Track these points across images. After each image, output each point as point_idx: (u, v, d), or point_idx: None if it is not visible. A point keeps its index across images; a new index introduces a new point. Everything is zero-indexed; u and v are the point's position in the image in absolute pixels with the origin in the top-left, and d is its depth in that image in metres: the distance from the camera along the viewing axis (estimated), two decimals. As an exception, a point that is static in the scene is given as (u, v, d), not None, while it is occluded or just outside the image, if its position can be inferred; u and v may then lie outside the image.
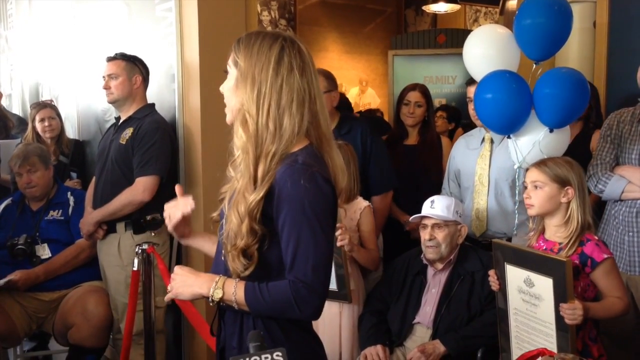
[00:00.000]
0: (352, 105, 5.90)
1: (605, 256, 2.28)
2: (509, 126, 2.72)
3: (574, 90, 2.62)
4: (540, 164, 2.40)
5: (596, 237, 2.35)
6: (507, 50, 2.75)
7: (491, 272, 2.46)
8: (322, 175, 1.57)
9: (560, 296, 2.17)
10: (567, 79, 2.64)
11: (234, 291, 1.58)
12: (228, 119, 1.67)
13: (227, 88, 1.65)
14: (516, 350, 2.40)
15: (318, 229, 1.55)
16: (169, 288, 1.71)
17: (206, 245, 1.90)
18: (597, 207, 3.50)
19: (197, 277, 1.66)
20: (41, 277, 3.34)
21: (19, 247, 3.34)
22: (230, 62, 1.64)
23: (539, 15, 2.62)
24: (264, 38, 1.61)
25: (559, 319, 2.19)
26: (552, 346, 2.22)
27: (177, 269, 1.70)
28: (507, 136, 2.78)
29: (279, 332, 1.63)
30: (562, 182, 2.33)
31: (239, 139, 1.59)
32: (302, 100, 1.59)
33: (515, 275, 2.35)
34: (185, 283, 1.66)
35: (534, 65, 2.73)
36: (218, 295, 1.59)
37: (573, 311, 2.13)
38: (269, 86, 1.57)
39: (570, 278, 2.14)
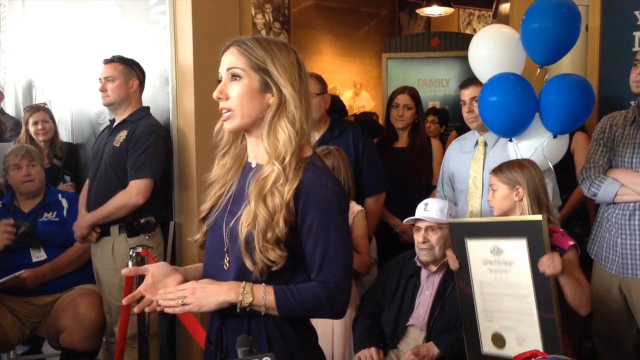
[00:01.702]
0: (347, 108, 5.90)
1: (571, 243, 2.42)
2: (513, 129, 2.73)
3: (581, 97, 2.63)
4: (496, 169, 2.60)
5: (561, 229, 2.50)
6: (513, 52, 2.75)
7: (449, 252, 2.56)
8: (337, 178, 1.68)
9: (536, 253, 2.24)
10: (575, 86, 2.65)
11: (264, 295, 1.59)
12: (236, 124, 1.65)
13: (245, 92, 1.62)
14: (485, 323, 2.43)
15: (344, 229, 1.62)
16: (184, 301, 1.60)
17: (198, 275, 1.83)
18: (581, 209, 3.54)
19: (220, 285, 1.62)
20: (48, 275, 3.34)
21: (23, 229, 3.33)
22: (243, 66, 1.62)
23: (546, 19, 2.61)
24: (277, 44, 1.65)
25: (536, 276, 2.25)
26: (530, 306, 2.29)
27: (192, 282, 1.63)
28: (509, 139, 2.79)
29: (291, 333, 1.67)
30: (512, 183, 2.53)
31: (279, 138, 1.61)
32: (310, 105, 1.68)
33: (478, 248, 2.42)
34: (207, 293, 1.60)
35: (539, 69, 2.74)
36: (248, 300, 1.58)
37: (552, 260, 2.22)
38: (298, 89, 1.63)
39: (547, 235, 2.24)
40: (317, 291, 1.59)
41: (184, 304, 1.61)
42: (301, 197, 1.58)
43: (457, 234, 2.51)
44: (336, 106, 4.94)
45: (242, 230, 1.60)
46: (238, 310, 1.60)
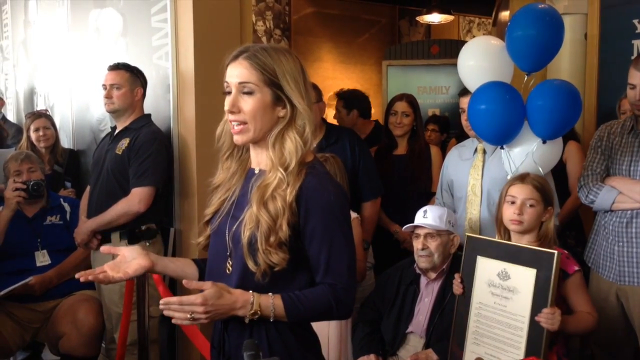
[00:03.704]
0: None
1: (576, 268, 2.35)
2: (503, 137, 2.74)
3: (567, 102, 2.64)
4: (532, 180, 2.44)
5: (566, 251, 2.39)
6: (501, 62, 2.78)
7: (456, 276, 2.49)
8: (339, 182, 1.70)
9: (542, 289, 2.19)
10: (560, 91, 2.67)
11: (273, 308, 1.61)
12: (249, 138, 1.67)
13: (259, 107, 1.64)
14: (472, 346, 2.40)
15: (347, 231, 1.65)
16: (193, 316, 1.58)
17: (178, 268, 1.85)
18: (574, 219, 3.54)
19: (232, 302, 1.60)
20: (54, 280, 3.36)
21: (34, 181, 3.37)
22: (256, 81, 1.63)
23: (530, 27, 2.64)
24: (284, 53, 1.67)
25: (535, 311, 2.19)
26: (520, 339, 2.23)
27: (201, 297, 1.58)
28: (500, 147, 2.81)
29: (291, 335, 1.69)
30: (547, 202, 2.42)
31: (286, 147, 1.64)
32: (313, 112, 1.70)
33: (487, 268, 2.36)
34: (218, 311, 1.60)
35: (526, 77, 2.76)
36: (257, 315, 1.61)
37: (553, 315, 2.15)
38: (306, 100, 1.66)
39: (557, 271, 2.17)
40: (325, 294, 1.63)
41: (193, 319, 1.59)
42: (303, 200, 1.61)
43: (472, 250, 2.43)
44: (363, 105, 4.90)
45: (245, 233, 1.63)
46: (246, 321, 1.63)
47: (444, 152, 3.99)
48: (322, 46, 8.22)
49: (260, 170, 1.71)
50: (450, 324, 2.65)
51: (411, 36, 9.02)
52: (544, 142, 2.69)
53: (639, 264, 2.77)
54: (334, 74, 8.25)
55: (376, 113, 7.92)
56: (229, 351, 1.74)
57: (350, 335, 2.94)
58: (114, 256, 1.79)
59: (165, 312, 1.61)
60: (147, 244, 3.18)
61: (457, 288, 2.48)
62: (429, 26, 8.96)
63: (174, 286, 3.37)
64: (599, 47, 3.94)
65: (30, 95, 5.47)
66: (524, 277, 2.24)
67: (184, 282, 1.63)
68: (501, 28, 6.34)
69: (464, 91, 3.12)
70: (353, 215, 3.08)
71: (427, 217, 2.75)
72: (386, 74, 6.74)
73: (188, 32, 3.25)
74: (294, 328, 1.69)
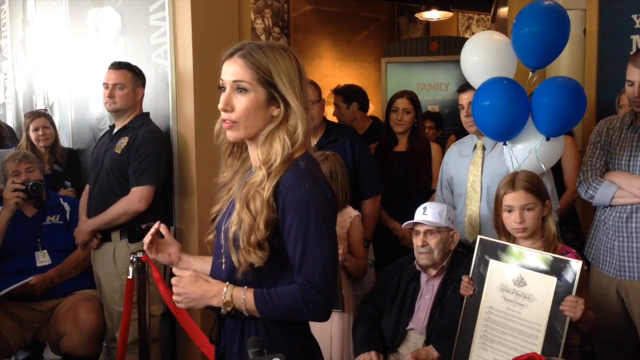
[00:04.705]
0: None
1: (585, 267, 2.33)
2: (506, 133, 2.74)
3: (572, 99, 2.64)
4: (522, 183, 2.42)
5: (574, 250, 2.39)
6: (505, 57, 2.77)
7: (465, 278, 2.46)
8: (323, 179, 1.65)
9: (562, 297, 2.16)
10: (566, 88, 2.66)
11: (244, 301, 1.63)
12: (240, 135, 1.67)
13: (251, 106, 1.64)
14: (479, 351, 2.36)
15: (324, 231, 1.61)
16: (174, 298, 1.73)
17: (200, 266, 1.92)
18: (570, 213, 3.53)
19: (206, 289, 1.68)
20: (55, 280, 3.36)
21: (32, 182, 3.36)
22: (250, 80, 1.62)
23: (536, 23, 2.64)
24: (280, 52, 1.66)
25: (553, 319, 2.17)
26: (535, 348, 2.20)
27: (175, 279, 1.72)
28: (503, 143, 2.81)
29: (281, 337, 1.68)
30: (543, 197, 2.40)
31: (274, 145, 1.63)
32: (309, 111, 1.70)
33: (500, 272, 2.33)
34: (193, 298, 1.70)
35: (530, 73, 2.76)
36: (229, 307, 1.64)
37: (576, 304, 2.12)
38: (301, 99, 1.65)
39: (580, 280, 2.14)
40: (295, 294, 1.60)
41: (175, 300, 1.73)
42: (280, 197, 1.60)
43: (483, 252, 2.40)
44: (362, 97, 4.93)
45: (231, 230, 1.64)
46: (223, 313, 1.66)
47: (443, 149, 3.99)
48: (321, 44, 8.21)
49: (255, 168, 1.72)
50: (450, 320, 2.65)
51: (410, 33, 9.01)
52: (548, 139, 2.69)
53: (639, 258, 2.77)
54: (333, 72, 8.24)
55: (376, 110, 7.92)
56: (224, 347, 1.77)
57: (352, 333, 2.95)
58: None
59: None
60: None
61: (466, 289, 2.45)
62: (428, 23, 8.94)
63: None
64: (597, 42, 3.94)
65: (30, 94, 5.46)
66: (543, 285, 2.20)
67: (173, 269, 1.76)
68: (500, 24, 6.34)
69: (463, 87, 3.12)
70: (355, 212, 3.08)
71: (427, 214, 2.75)
72: (385, 71, 6.73)
73: (186, 30, 3.25)
74: (285, 330, 1.68)
